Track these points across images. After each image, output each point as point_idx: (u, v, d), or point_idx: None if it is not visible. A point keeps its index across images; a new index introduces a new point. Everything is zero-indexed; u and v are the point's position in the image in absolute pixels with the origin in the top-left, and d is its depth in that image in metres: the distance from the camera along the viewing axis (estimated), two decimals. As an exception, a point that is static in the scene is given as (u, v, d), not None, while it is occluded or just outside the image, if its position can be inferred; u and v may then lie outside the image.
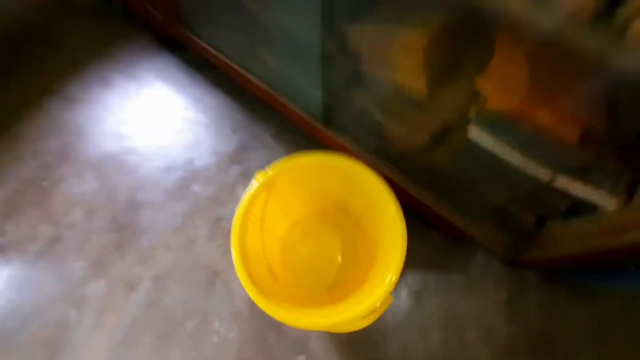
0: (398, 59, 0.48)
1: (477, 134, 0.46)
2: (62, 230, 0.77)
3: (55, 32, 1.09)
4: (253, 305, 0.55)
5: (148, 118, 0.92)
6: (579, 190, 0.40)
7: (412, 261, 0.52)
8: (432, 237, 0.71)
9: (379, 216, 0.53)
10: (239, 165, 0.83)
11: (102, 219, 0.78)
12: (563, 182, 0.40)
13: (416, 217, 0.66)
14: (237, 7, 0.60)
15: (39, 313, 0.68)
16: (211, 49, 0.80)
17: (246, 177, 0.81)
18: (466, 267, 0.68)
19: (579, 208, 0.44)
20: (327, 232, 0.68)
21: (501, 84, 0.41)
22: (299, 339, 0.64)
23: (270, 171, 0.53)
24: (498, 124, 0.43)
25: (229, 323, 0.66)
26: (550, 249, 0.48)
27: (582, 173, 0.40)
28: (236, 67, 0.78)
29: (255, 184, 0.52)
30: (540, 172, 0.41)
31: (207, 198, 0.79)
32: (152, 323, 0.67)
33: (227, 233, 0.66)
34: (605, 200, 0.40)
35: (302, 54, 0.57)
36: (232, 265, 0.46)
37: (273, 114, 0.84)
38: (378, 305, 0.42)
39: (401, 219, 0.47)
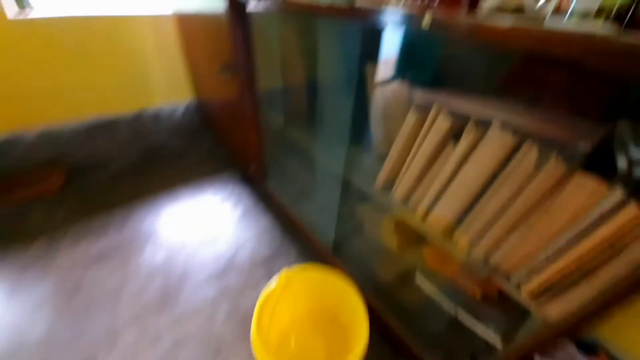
0: (383, 228, 0.87)
1: (419, 279, 0.77)
2: (127, 283, 1.04)
3: (181, 156, 1.72)
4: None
5: (215, 223, 1.33)
6: (475, 326, 0.66)
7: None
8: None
9: (355, 328, 0.77)
10: (265, 268, 1.13)
11: (157, 285, 1.06)
12: (463, 316, 0.67)
13: (389, 343, 0.86)
14: (300, 168, 1.10)
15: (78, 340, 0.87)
16: (274, 193, 1.29)
17: (269, 277, 1.09)
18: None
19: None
20: (318, 333, 0.89)
21: (432, 257, 0.76)
22: None
23: (289, 272, 0.84)
24: (432, 276, 0.76)
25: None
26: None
27: (478, 315, 0.67)
28: (286, 206, 1.23)
29: (276, 279, 0.83)
30: (449, 307, 0.69)
31: (236, 287, 1.06)
32: (160, 377, 0.82)
33: (242, 316, 0.90)
34: (494, 339, 0.65)
35: (326, 209, 1.00)
36: (236, 341, 0.70)
37: (301, 239, 1.22)
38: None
39: (366, 336, 0.71)
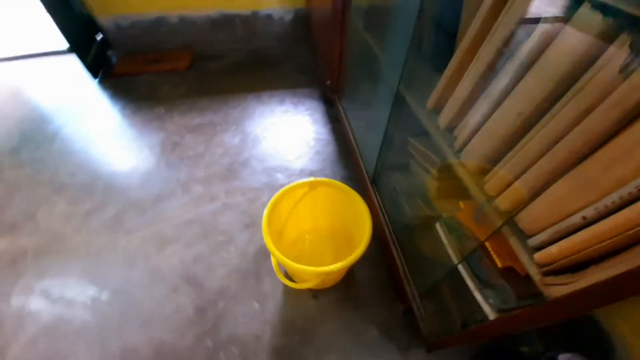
0: (425, 168, 0.77)
1: (439, 226, 0.68)
2: (207, 152, 1.29)
3: (279, 63, 1.82)
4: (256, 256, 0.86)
5: (286, 131, 1.43)
6: (476, 294, 0.57)
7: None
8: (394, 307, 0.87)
9: (359, 228, 0.77)
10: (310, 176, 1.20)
11: (226, 161, 1.27)
12: (468, 278, 0.58)
13: (392, 284, 0.85)
14: (368, 86, 1.02)
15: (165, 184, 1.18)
16: (342, 113, 1.26)
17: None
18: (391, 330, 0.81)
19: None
20: (331, 242, 0.94)
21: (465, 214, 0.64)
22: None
23: (318, 180, 0.87)
24: (455, 226, 0.66)
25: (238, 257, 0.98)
26: (458, 338, 0.62)
27: (485, 285, 0.58)
28: (348, 128, 1.20)
29: (305, 181, 0.87)
30: (455, 258, 0.61)
31: (279, 184, 1.18)
32: (207, 226, 1.05)
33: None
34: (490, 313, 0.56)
35: (375, 129, 0.92)
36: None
37: (351, 164, 1.21)
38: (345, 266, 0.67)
39: (370, 232, 0.71)
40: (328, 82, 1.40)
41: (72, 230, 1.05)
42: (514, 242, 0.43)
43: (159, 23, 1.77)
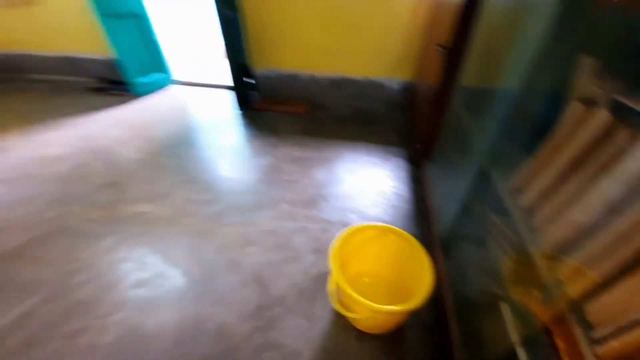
0: (502, 250, 0.77)
1: (504, 307, 0.66)
2: (300, 180, 1.53)
3: (378, 122, 2.05)
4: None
5: (370, 178, 1.57)
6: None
7: None
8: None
9: (419, 285, 0.79)
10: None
11: (312, 192, 1.47)
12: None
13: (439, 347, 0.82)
14: (456, 156, 1.09)
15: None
16: (426, 176, 1.34)
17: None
18: None
19: None
20: (389, 290, 0.97)
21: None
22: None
23: (388, 227, 0.94)
24: (522, 311, 0.63)
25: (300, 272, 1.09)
26: None
27: None
28: (429, 190, 1.26)
29: (378, 224, 0.95)
30: (515, 341, 0.57)
31: (351, 222, 1.29)
32: (282, 240, 1.22)
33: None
34: None
35: (455, 197, 0.96)
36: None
37: (424, 224, 1.24)
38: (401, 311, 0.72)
39: (429, 290, 0.73)
40: (418, 146, 1.51)
41: (190, 212, 1.37)
42: (577, 332, 0.42)
43: (293, 77, 2.27)
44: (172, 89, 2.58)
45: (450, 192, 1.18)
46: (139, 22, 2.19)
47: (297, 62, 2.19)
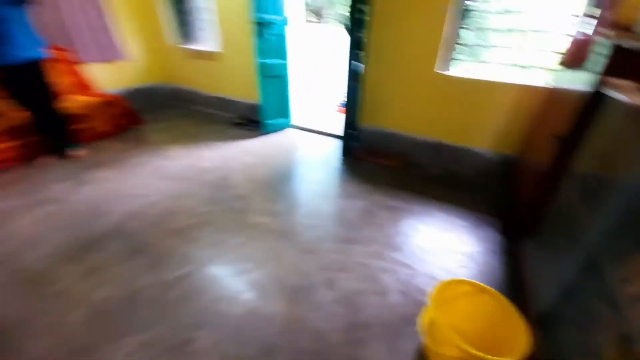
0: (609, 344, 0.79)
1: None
2: (391, 226, 1.71)
3: (469, 188, 2.13)
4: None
5: (459, 242, 1.65)
6: None
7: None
8: None
9: (508, 353, 0.85)
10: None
11: (399, 238, 1.63)
12: None
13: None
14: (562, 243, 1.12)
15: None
16: (523, 252, 1.36)
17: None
18: None
19: None
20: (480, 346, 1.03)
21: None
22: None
23: (487, 287, 1.03)
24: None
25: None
26: None
27: None
28: (524, 265, 1.28)
29: (476, 282, 1.05)
30: None
31: (441, 279, 1.38)
32: (371, 275, 1.39)
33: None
34: None
35: (557, 280, 0.99)
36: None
37: (514, 293, 1.25)
38: None
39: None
40: (516, 221, 1.54)
41: (298, 231, 1.67)
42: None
43: (393, 136, 2.57)
44: (290, 131, 3.18)
45: (550, 272, 1.20)
46: (281, 81, 2.90)
47: (400, 123, 2.50)
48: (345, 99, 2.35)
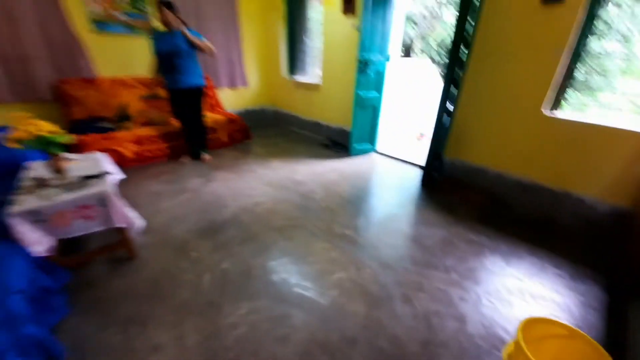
0: None
1: None
2: (472, 261, 1.71)
3: (567, 237, 1.96)
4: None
5: (550, 290, 1.55)
6: None
7: None
8: None
9: None
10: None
11: (481, 274, 1.62)
12: None
13: None
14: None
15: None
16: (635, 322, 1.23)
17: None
18: None
19: None
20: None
21: None
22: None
23: (583, 333, 1.00)
24: None
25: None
26: None
27: None
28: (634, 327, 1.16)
29: (570, 325, 1.02)
30: None
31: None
32: (448, 299, 1.44)
33: None
34: None
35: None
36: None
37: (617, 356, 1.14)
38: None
39: None
40: (629, 279, 1.39)
41: (379, 246, 1.82)
42: None
43: (481, 171, 2.54)
44: (374, 156, 3.41)
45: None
46: (373, 111, 3.19)
47: (490, 160, 2.46)
48: (433, 130, 2.47)
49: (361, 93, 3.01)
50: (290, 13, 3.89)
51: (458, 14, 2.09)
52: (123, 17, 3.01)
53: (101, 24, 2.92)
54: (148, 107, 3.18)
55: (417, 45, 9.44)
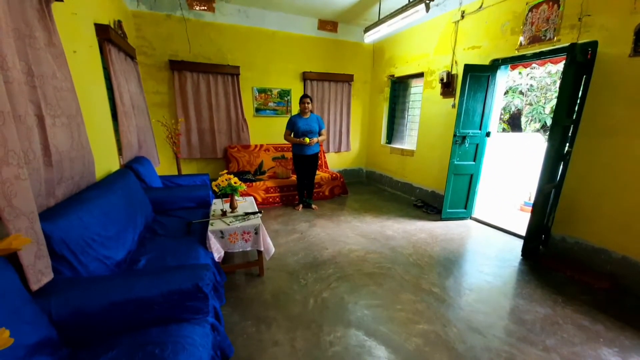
0: None
1: None
2: (579, 352, 1.56)
3: None
4: None
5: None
6: None
7: None
8: None
9: None
10: None
11: None
12: None
13: None
14: None
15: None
16: None
17: None
18: None
19: None
20: None
21: None
22: None
23: None
24: None
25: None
26: None
27: None
28: None
29: None
30: None
31: None
32: (550, 379, 1.37)
33: None
34: None
35: None
36: None
37: None
38: None
39: None
40: None
41: (468, 309, 1.86)
42: None
43: (598, 251, 2.26)
44: (468, 222, 3.40)
45: None
46: (470, 179, 3.31)
47: (613, 240, 2.19)
48: (534, 201, 2.42)
49: (456, 162, 3.22)
50: (394, 94, 4.62)
51: (559, 90, 2.24)
52: (272, 105, 4.32)
53: (258, 110, 4.28)
54: (276, 164, 4.20)
55: (526, 113, 8.92)
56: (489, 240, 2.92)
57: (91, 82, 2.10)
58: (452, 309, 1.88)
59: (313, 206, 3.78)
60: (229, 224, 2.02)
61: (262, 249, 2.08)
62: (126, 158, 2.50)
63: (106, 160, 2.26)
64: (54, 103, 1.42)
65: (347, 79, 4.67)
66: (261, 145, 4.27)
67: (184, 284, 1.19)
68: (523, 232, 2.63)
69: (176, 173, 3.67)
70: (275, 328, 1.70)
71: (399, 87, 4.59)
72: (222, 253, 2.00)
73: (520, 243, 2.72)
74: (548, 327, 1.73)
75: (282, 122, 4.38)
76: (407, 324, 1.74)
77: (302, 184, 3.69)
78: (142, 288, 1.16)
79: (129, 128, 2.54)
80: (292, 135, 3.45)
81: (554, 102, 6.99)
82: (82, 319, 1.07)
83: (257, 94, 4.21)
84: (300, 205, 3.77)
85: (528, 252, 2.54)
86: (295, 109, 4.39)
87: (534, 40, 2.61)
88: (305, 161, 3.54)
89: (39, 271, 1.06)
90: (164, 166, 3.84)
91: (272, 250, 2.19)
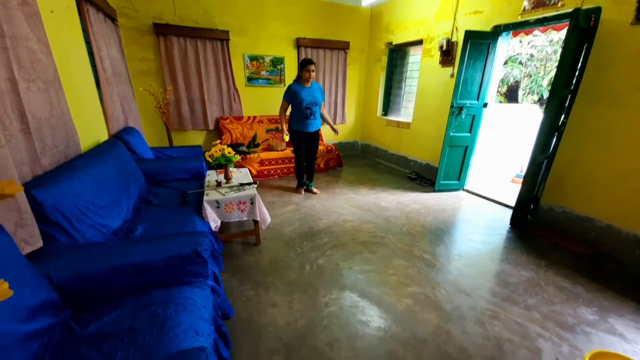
0: None
1: None
2: (558, 306, 1.68)
3: None
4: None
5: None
6: None
7: None
8: None
9: None
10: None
11: (564, 317, 1.57)
12: None
13: None
14: None
15: (521, 296, 1.74)
16: None
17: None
18: None
19: None
20: None
21: None
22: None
23: None
24: None
25: None
26: None
27: None
28: None
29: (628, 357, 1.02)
30: None
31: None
32: (519, 330, 1.48)
33: None
34: None
35: None
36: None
37: None
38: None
39: None
40: None
41: (455, 272, 1.96)
42: None
43: (584, 220, 2.35)
44: (461, 193, 3.47)
45: None
46: (465, 151, 3.32)
47: (598, 209, 2.27)
48: (526, 171, 2.46)
49: (452, 134, 3.21)
50: (391, 63, 4.47)
51: (560, 57, 2.19)
52: (265, 74, 4.14)
53: (251, 80, 4.10)
54: (270, 137, 4.13)
55: (524, 86, 8.80)
56: (479, 211, 3.00)
57: (71, 45, 1.96)
58: (441, 273, 1.98)
59: (315, 190, 3.39)
60: (224, 194, 2.01)
61: (258, 218, 2.10)
62: (113, 128, 2.42)
63: (94, 130, 2.18)
64: (28, 66, 1.32)
65: (343, 47, 4.48)
66: (254, 117, 4.16)
67: (183, 249, 1.21)
68: (513, 203, 2.71)
69: (167, 145, 3.59)
70: (273, 292, 1.77)
71: (397, 55, 4.43)
72: (219, 222, 2.02)
73: (510, 213, 2.80)
74: (530, 288, 1.84)
75: (275, 92, 4.24)
76: (398, 287, 1.83)
77: (301, 165, 3.28)
78: (142, 253, 1.18)
79: (111, 97, 2.43)
80: (289, 109, 3.08)
81: (553, 73, 6.88)
82: (83, 283, 1.08)
83: (249, 62, 4.02)
84: (302, 189, 3.42)
85: (516, 222, 2.62)
86: (289, 78, 4.23)
87: (538, 4, 2.50)
88: (306, 139, 3.13)
89: (22, 239, 1.04)
90: (154, 137, 3.74)
91: (269, 219, 2.22)
